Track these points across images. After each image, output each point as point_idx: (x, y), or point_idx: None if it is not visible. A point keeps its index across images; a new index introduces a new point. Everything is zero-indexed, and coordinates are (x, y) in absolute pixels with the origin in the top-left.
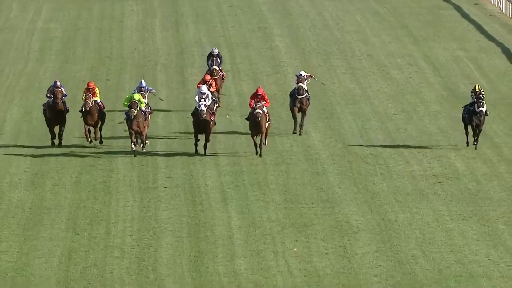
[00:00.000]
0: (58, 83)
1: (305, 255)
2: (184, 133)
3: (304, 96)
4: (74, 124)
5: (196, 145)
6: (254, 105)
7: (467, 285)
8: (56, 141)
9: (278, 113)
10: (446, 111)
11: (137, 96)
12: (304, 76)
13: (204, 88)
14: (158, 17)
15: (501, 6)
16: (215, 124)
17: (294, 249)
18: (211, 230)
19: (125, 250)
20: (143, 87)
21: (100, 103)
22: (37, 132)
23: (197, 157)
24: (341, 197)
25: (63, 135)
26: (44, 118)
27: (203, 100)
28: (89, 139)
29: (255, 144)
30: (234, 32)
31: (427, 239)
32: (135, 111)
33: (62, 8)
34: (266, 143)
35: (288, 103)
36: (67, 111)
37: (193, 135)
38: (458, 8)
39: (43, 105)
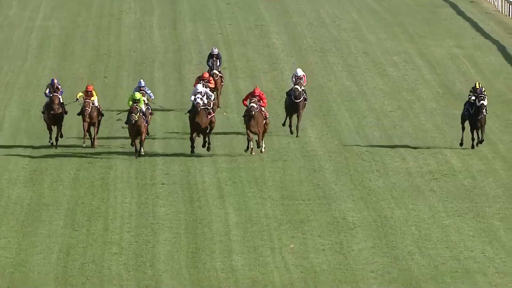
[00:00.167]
0: (55, 81)
1: (302, 251)
2: (181, 130)
3: (300, 100)
4: (71, 130)
5: (192, 146)
6: (248, 102)
7: (463, 281)
8: (54, 141)
9: (275, 110)
10: (442, 108)
11: (138, 95)
12: (300, 75)
13: (199, 86)
14: (156, 14)
15: (496, 4)
16: (214, 122)
17: (291, 245)
18: (208, 226)
19: (123, 246)
20: (142, 86)
21: (98, 106)
22: (36, 129)
23: (195, 154)
24: (337, 194)
25: (58, 137)
26: (42, 118)
27: (199, 94)
28: (87, 143)
29: (248, 138)
30: (232, 29)
31: (423, 236)
32: (136, 116)
33: (61, 6)
34: (264, 149)
35: (284, 100)
36: (66, 113)
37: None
38: (454, 6)
39: (43, 108)
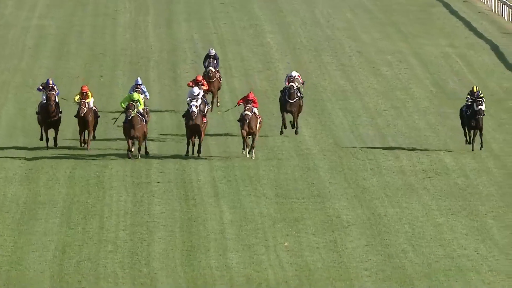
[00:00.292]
0: (51, 81)
1: (296, 249)
2: (176, 129)
3: (295, 100)
4: (67, 128)
5: (187, 147)
6: (244, 106)
7: (456, 279)
8: (50, 143)
9: (269, 109)
10: (435, 107)
11: (136, 96)
12: (295, 76)
13: (196, 89)
14: (150, 14)
15: (489, 4)
16: (206, 125)
17: (285, 244)
18: (203, 224)
19: (119, 244)
20: (139, 84)
21: (94, 108)
22: (32, 128)
23: (189, 153)
24: (331, 192)
25: (57, 140)
26: (36, 118)
27: (194, 101)
28: (82, 143)
29: (244, 141)
30: (226, 29)
31: (417, 234)
32: (133, 112)
33: (57, 5)
34: (254, 156)
35: (279, 98)
36: (61, 112)
37: (185, 135)
38: (447, 6)
39: (36, 108)
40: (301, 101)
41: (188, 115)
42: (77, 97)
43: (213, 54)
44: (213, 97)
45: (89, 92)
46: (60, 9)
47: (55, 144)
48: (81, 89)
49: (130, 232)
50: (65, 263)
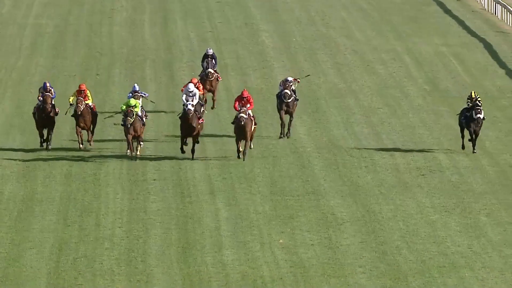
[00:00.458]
0: (48, 85)
1: (291, 246)
2: (173, 126)
3: (290, 100)
4: (64, 126)
5: (182, 148)
6: (239, 108)
7: (450, 276)
8: (45, 145)
9: (264, 107)
10: (429, 105)
11: (133, 102)
12: (290, 81)
13: (191, 86)
14: (147, 13)
15: (483, 2)
16: (202, 127)
17: (280, 241)
18: (199, 221)
19: (115, 242)
20: (137, 91)
21: (92, 106)
22: (28, 126)
23: (185, 150)
24: (326, 190)
25: (51, 139)
26: (33, 120)
27: (190, 100)
28: (81, 143)
29: (238, 150)
30: (222, 27)
31: (411, 231)
32: (132, 120)
33: (53, 4)
34: (252, 146)
35: (275, 102)
36: (57, 114)
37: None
38: (441, 4)
39: (34, 109)
40: (295, 102)
41: (184, 114)
42: (72, 98)
43: (211, 53)
44: (213, 96)
45: (88, 91)
46: (56, 7)
47: (47, 146)
48: (79, 87)
49: (126, 230)
50: (62, 260)
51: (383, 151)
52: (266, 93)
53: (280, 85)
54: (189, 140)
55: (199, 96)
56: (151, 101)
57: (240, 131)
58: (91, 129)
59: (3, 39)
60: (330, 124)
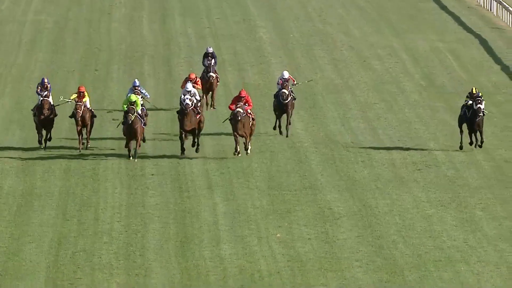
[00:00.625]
0: (46, 80)
1: (288, 241)
2: (171, 122)
3: (288, 100)
4: (62, 125)
5: (182, 147)
6: (234, 107)
7: (446, 270)
8: (43, 145)
9: (262, 102)
10: (425, 101)
11: (134, 98)
12: (287, 78)
13: (189, 85)
14: (145, 9)
15: None
16: (203, 123)
17: (278, 235)
18: (197, 216)
19: (113, 236)
20: (137, 86)
21: (90, 108)
22: (28, 122)
23: (185, 147)
24: (323, 184)
25: (49, 138)
26: (33, 119)
27: (188, 95)
28: (81, 145)
29: (236, 148)
30: (220, 24)
31: (407, 225)
32: (133, 116)
33: (52, 1)
34: (249, 152)
35: (273, 102)
36: (56, 115)
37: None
38: (437, 1)
39: (32, 110)
40: (293, 102)
41: (181, 110)
42: (73, 96)
43: (211, 52)
44: (212, 95)
45: (86, 93)
46: (55, 4)
47: (45, 146)
48: (78, 89)
49: (125, 224)
50: (61, 254)
51: (379, 146)
52: (263, 89)
53: (277, 83)
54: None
55: (197, 92)
56: (153, 105)
57: (238, 127)
58: (89, 129)
59: (3, 36)
60: (327, 119)
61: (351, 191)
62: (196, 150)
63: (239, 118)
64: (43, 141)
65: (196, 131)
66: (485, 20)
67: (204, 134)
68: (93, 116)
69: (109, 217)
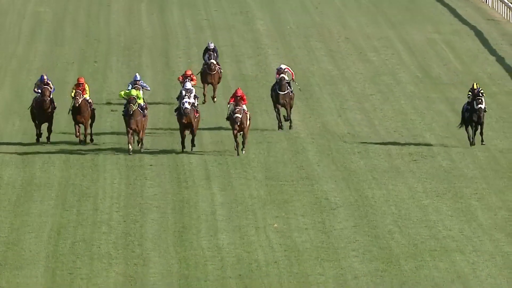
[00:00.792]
0: (45, 77)
1: (285, 231)
2: (169, 114)
3: (286, 92)
4: (61, 118)
5: (183, 143)
6: (233, 107)
7: (441, 259)
8: (43, 138)
9: (259, 93)
10: (421, 92)
11: (134, 92)
12: (284, 69)
13: (188, 84)
14: (144, 1)
15: None
16: (199, 120)
17: (275, 225)
18: (195, 206)
19: (112, 226)
20: (138, 80)
21: (90, 101)
22: (27, 113)
23: (185, 145)
24: (320, 175)
25: (50, 134)
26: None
27: (187, 97)
28: (79, 137)
29: (236, 141)
30: (217, 15)
31: (403, 215)
32: (134, 107)
33: None
34: (244, 152)
35: (270, 89)
36: (55, 108)
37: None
38: None
39: (31, 105)
40: (292, 94)
41: (180, 111)
42: (73, 92)
43: (212, 47)
44: (213, 88)
45: (86, 85)
46: None
47: (48, 138)
48: (78, 80)
49: (123, 214)
50: (60, 244)
51: (375, 136)
52: (261, 80)
53: (276, 74)
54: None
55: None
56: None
57: (236, 126)
58: (90, 124)
59: (3, 27)
60: (324, 110)
61: (348, 182)
62: (192, 146)
63: (238, 123)
64: (44, 133)
65: (194, 128)
66: (480, 12)
67: (202, 125)
68: (92, 109)
69: (108, 207)
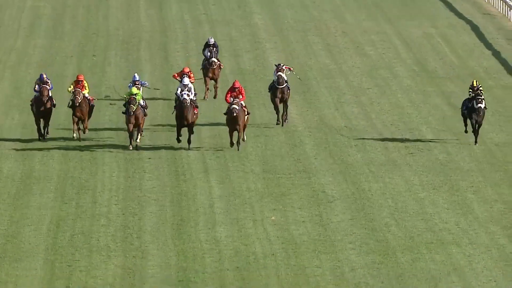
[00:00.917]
0: (44, 76)
1: (283, 223)
2: (167, 107)
3: (284, 86)
4: (60, 112)
5: (178, 139)
6: (231, 100)
7: (438, 252)
8: (44, 136)
9: (257, 87)
10: (418, 86)
11: (135, 90)
12: (282, 66)
13: (186, 80)
14: None
15: None
16: (197, 117)
17: (272, 218)
18: (193, 199)
19: (111, 219)
20: (137, 80)
21: (89, 97)
22: (27, 106)
23: (181, 140)
24: (317, 168)
25: (48, 129)
26: (30, 110)
27: (186, 90)
28: (77, 134)
29: (232, 142)
30: (215, 10)
31: (400, 208)
32: (134, 107)
33: None
34: (245, 138)
35: (268, 84)
36: (54, 106)
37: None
38: None
39: (31, 101)
40: (288, 90)
41: (179, 105)
42: (71, 88)
43: (212, 43)
44: (215, 83)
45: (85, 82)
46: None
47: (44, 136)
48: (77, 78)
49: (122, 207)
50: (59, 236)
51: (372, 130)
52: (259, 74)
53: (274, 73)
54: (184, 131)
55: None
56: (154, 89)
57: (233, 123)
58: (87, 119)
59: (2, 21)
60: (321, 104)
61: (345, 175)
62: (188, 143)
63: (235, 114)
64: (44, 132)
65: (192, 125)
66: (476, 6)
67: (200, 119)
68: (91, 106)
69: (107, 200)
